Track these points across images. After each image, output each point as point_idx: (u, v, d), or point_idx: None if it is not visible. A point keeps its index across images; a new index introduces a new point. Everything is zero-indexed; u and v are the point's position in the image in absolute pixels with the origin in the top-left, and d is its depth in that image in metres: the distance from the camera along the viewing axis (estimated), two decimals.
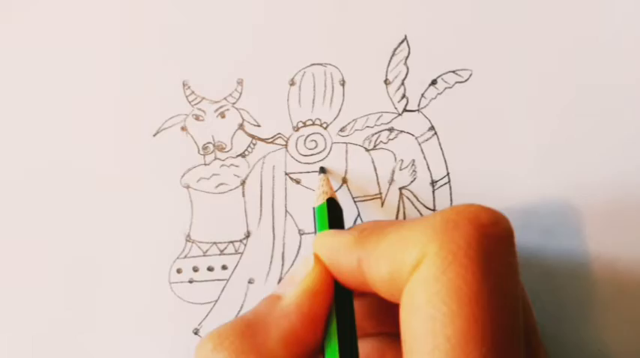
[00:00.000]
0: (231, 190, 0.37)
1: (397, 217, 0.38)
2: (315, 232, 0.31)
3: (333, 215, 0.32)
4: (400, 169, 0.37)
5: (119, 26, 0.37)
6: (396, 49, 0.36)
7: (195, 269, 0.37)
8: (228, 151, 0.37)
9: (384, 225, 0.27)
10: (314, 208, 0.34)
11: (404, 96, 0.37)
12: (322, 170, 0.37)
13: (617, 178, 0.38)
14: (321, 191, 0.34)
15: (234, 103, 0.37)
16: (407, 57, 0.36)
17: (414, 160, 0.37)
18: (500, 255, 0.24)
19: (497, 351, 0.23)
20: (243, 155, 0.37)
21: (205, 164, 0.37)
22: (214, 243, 0.37)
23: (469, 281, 0.23)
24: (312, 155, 0.37)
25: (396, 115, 0.37)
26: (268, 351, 0.26)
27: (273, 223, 0.37)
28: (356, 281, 0.27)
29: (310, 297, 0.27)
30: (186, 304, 0.37)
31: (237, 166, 0.37)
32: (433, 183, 0.37)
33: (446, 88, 0.37)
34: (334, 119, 0.37)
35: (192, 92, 0.36)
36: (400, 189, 0.37)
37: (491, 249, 0.24)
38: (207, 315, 0.38)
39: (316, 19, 0.36)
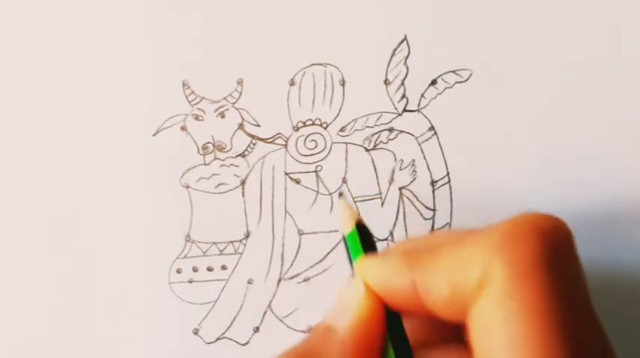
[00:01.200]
0: (230, 190, 0.37)
1: (397, 217, 0.38)
2: (350, 259, 0.30)
3: (366, 240, 0.30)
4: (400, 169, 0.37)
5: (119, 26, 0.37)
6: (395, 49, 0.36)
7: (195, 270, 0.37)
8: (227, 151, 0.37)
9: (433, 245, 0.26)
10: (343, 236, 0.32)
11: (404, 96, 0.37)
12: (341, 195, 0.36)
13: (618, 177, 0.38)
14: (346, 215, 0.33)
15: (233, 103, 0.37)
16: (407, 57, 0.36)
17: (414, 160, 0.37)
18: (568, 260, 0.24)
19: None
20: (242, 155, 0.37)
21: (205, 164, 0.37)
22: (214, 243, 0.37)
23: (544, 295, 0.23)
24: (312, 155, 0.37)
25: (396, 115, 0.37)
26: None
27: (273, 223, 0.37)
28: (409, 304, 0.26)
29: (365, 327, 0.27)
30: (186, 304, 0.37)
31: (236, 166, 0.37)
32: (433, 183, 0.37)
33: (446, 88, 0.37)
34: (334, 119, 0.37)
35: (192, 92, 0.36)
36: (400, 189, 0.37)
37: (559, 257, 0.24)
38: (206, 315, 0.37)
39: (316, 19, 0.36)
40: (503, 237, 0.24)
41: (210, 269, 0.37)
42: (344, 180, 0.37)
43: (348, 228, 0.31)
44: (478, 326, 0.24)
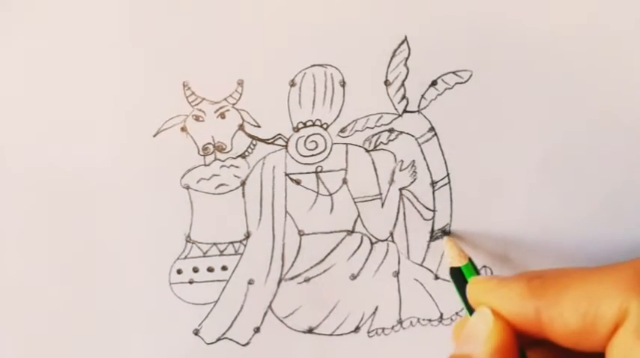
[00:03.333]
0: (231, 191, 0.37)
1: (397, 218, 0.38)
2: (460, 290, 0.33)
3: (476, 272, 0.34)
4: (400, 170, 0.37)
5: (119, 26, 0.37)
6: (396, 50, 0.36)
7: (196, 270, 0.37)
8: (228, 152, 0.37)
9: (560, 275, 0.28)
10: (455, 268, 0.35)
11: (404, 97, 0.37)
12: (448, 233, 0.37)
13: (618, 177, 0.38)
14: (456, 252, 0.35)
15: (234, 104, 0.36)
16: (407, 58, 0.36)
17: (414, 161, 0.37)
18: None
19: None
20: (243, 156, 0.37)
21: (205, 165, 0.37)
22: (214, 243, 0.37)
23: None
24: (312, 156, 0.37)
25: (396, 116, 0.37)
26: None
27: (273, 224, 0.37)
28: (529, 329, 0.28)
29: (503, 353, 0.28)
30: (187, 305, 0.37)
31: (237, 167, 0.37)
32: (433, 183, 0.37)
33: (446, 89, 0.37)
34: (334, 120, 0.37)
35: (193, 93, 0.36)
36: (400, 189, 0.37)
37: None
38: (207, 316, 0.38)
39: (316, 19, 0.36)
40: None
41: (210, 269, 0.37)
42: (344, 181, 0.37)
43: (463, 262, 0.35)
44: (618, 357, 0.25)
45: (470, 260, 0.35)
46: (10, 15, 0.37)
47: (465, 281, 0.34)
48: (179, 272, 0.37)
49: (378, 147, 0.37)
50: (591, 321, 0.26)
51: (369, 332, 0.39)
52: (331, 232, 0.38)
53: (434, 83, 0.37)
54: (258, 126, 0.37)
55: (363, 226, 0.38)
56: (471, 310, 0.32)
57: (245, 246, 0.37)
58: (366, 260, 0.38)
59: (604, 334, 0.26)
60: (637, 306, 0.25)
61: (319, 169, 0.37)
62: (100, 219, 0.37)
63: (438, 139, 0.37)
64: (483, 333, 0.28)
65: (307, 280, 0.38)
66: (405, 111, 0.37)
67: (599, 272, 0.27)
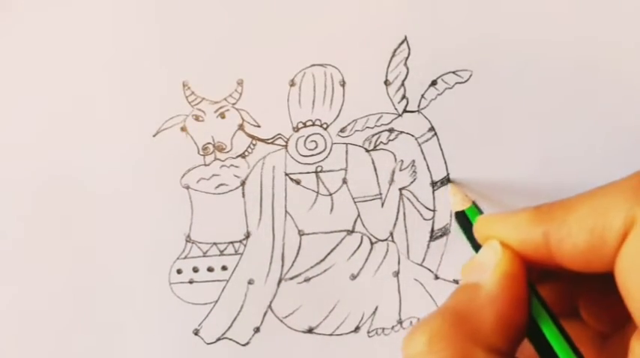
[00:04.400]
0: (231, 191, 0.37)
1: (397, 218, 0.38)
2: (466, 233, 0.33)
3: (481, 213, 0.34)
4: (400, 170, 0.37)
5: (118, 26, 0.37)
6: (396, 50, 0.36)
7: (196, 270, 0.37)
8: (228, 152, 0.37)
9: (567, 199, 0.27)
10: (459, 211, 0.35)
11: (404, 96, 0.37)
12: (450, 181, 0.37)
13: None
14: (460, 196, 0.35)
15: (234, 104, 0.36)
16: (407, 57, 0.36)
17: (414, 161, 0.37)
18: None
19: None
20: (243, 155, 0.37)
21: (205, 164, 0.37)
22: (214, 243, 0.37)
23: None
24: (312, 156, 0.37)
25: (396, 116, 0.37)
26: (484, 338, 0.26)
27: (273, 224, 0.37)
28: (538, 257, 0.27)
29: (510, 280, 0.27)
30: (187, 304, 0.37)
31: (237, 167, 0.37)
32: (433, 183, 0.37)
33: (446, 89, 0.37)
34: (334, 120, 0.37)
35: (192, 92, 0.36)
36: (400, 189, 0.37)
37: None
38: (207, 316, 0.38)
39: (316, 19, 0.36)
40: None
41: (210, 269, 0.37)
42: (344, 181, 0.37)
43: (467, 204, 0.34)
44: (629, 267, 0.25)
45: (474, 202, 0.34)
46: (10, 15, 0.37)
47: (471, 225, 0.33)
48: (179, 272, 0.37)
49: (378, 147, 0.37)
50: (599, 235, 0.25)
51: (369, 332, 0.39)
52: (331, 232, 0.38)
53: (434, 83, 0.37)
54: (258, 126, 0.37)
55: (363, 226, 0.38)
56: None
57: (245, 245, 0.37)
58: (366, 260, 0.38)
59: (613, 247, 0.25)
60: None
61: (319, 169, 0.37)
62: (99, 219, 0.37)
63: (438, 139, 0.37)
64: (491, 262, 0.28)
65: (307, 280, 0.38)
66: (405, 111, 0.37)
67: (604, 187, 0.26)
